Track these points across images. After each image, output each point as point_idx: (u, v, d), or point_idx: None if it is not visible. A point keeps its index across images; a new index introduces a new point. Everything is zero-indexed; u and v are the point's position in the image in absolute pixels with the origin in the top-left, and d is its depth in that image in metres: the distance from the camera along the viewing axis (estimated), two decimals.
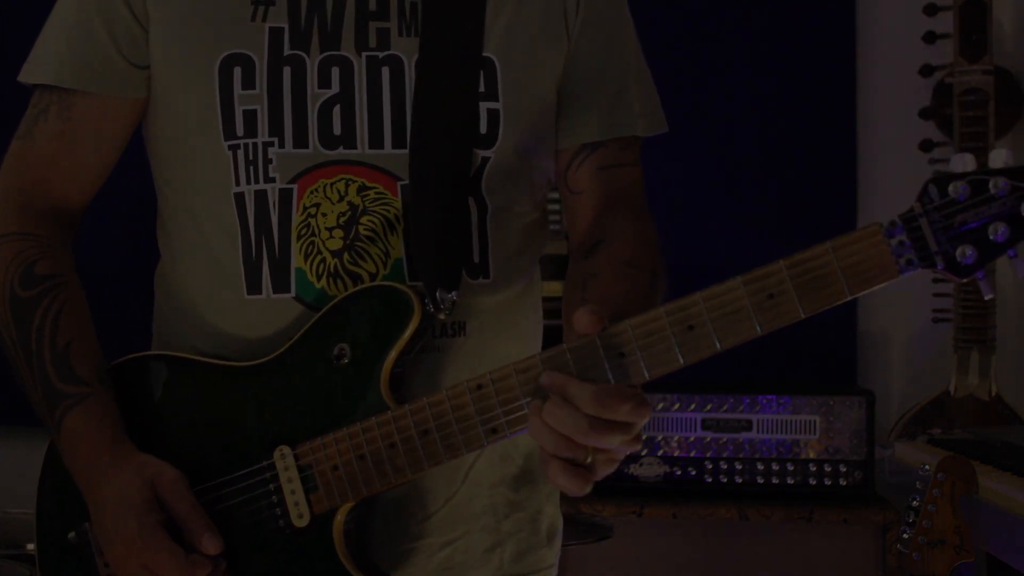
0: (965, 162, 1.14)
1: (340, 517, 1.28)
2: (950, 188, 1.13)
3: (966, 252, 1.13)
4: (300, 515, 1.29)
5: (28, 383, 1.34)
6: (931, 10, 3.13)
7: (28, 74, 1.42)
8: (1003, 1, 3.18)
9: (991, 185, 1.12)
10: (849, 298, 1.16)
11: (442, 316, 1.33)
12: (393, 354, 1.28)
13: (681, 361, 1.18)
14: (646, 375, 1.18)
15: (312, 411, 1.30)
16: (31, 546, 1.37)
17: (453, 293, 1.33)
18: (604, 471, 1.19)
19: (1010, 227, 1.12)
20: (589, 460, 1.16)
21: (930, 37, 3.14)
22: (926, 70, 3.15)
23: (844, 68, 3.29)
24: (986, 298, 1.21)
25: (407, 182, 1.35)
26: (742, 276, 1.17)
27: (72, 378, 1.32)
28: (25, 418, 1.35)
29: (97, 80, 1.39)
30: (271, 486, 1.29)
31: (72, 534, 1.35)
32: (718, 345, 1.17)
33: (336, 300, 1.32)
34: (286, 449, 1.29)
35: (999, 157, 1.14)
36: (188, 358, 1.36)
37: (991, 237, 1.12)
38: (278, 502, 1.29)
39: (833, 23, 3.30)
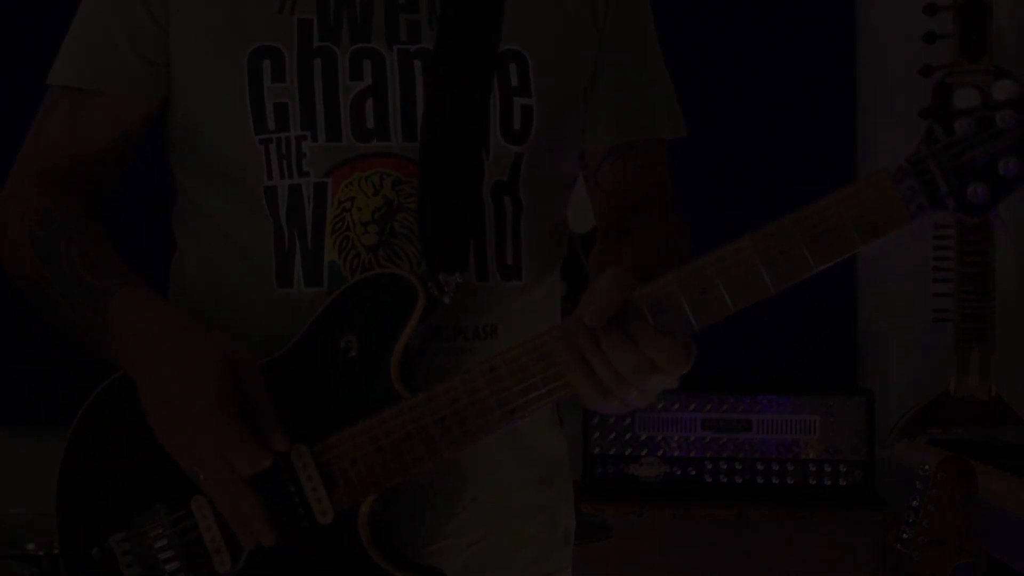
0: (970, 97, 1.09)
1: (365, 509, 1.26)
2: (956, 126, 1.08)
3: (977, 190, 1.08)
4: (323, 512, 1.26)
5: (64, 305, 1.31)
6: (931, 10, 3.12)
7: (50, 77, 1.42)
8: (1003, 1, 3.18)
9: (998, 119, 1.07)
10: (861, 248, 1.13)
11: (447, 299, 1.29)
12: (401, 342, 1.26)
13: (695, 326, 1.16)
14: None
15: (325, 407, 1.28)
16: (31, 546, 1.36)
17: (457, 275, 1.30)
18: (639, 403, 1.18)
19: (1021, 161, 1.07)
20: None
21: (930, 37, 3.13)
22: (926, 70, 3.14)
23: (844, 68, 3.29)
24: (1000, 236, 1.16)
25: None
26: (751, 235, 1.16)
27: (113, 272, 1.30)
28: (25, 418, 1.34)
29: (110, 81, 1.38)
30: (291, 487, 1.26)
31: (96, 550, 1.30)
32: (731, 306, 1.16)
33: (337, 292, 1.29)
34: (303, 448, 1.26)
35: (1004, 88, 1.08)
36: None
37: (1001, 172, 1.07)
38: (300, 502, 1.26)
39: (833, 23, 3.30)
